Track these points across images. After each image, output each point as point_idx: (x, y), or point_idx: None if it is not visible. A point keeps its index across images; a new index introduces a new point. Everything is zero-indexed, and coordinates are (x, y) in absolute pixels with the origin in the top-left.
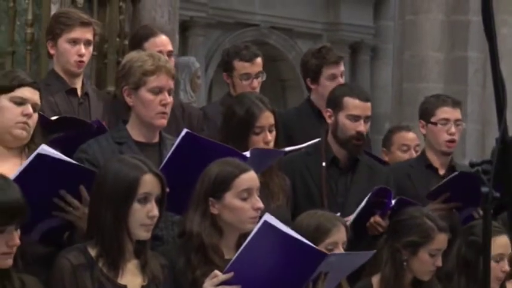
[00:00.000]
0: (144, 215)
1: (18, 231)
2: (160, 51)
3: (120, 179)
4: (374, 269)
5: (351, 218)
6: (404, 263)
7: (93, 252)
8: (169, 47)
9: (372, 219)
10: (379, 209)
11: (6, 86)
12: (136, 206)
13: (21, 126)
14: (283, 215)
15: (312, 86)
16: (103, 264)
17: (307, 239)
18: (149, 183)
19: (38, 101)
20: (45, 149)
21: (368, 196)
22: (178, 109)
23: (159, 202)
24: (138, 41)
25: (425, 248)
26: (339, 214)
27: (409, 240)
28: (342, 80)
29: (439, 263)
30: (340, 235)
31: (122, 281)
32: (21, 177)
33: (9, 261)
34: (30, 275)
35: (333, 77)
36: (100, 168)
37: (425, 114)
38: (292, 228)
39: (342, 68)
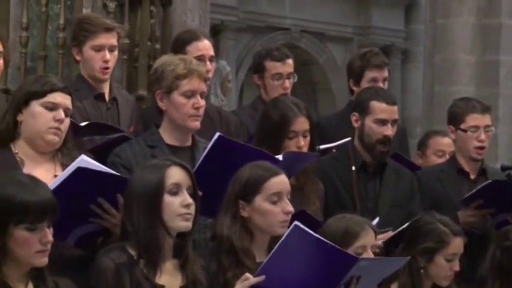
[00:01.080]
0: (178, 205)
1: (51, 229)
2: (202, 56)
3: (147, 178)
4: (392, 277)
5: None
6: (422, 270)
7: (132, 251)
8: (211, 52)
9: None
10: None
11: (38, 91)
12: (168, 198)
13: (53, 131)
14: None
15: (354, 88)
16: (144, 265)
17: (335, 243)
18: (176, 174)
19: (70, 106)
20: (84, 160)
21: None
22: (215, 114)
23: (192, 194)
24: (181, 44)
25: (441, 254)
26: (377, 220)
27: (424, 246)
28: (383, 86)
29: (457, 267)
30: (368, 238)
31: (160, 281)
32: (60, 187)
33: (45, 260)
34: (64, 278)
35: (374, 81)
36: (130, 176)
37: (455, 120)
38: (321, 233)
39: (385, 73)
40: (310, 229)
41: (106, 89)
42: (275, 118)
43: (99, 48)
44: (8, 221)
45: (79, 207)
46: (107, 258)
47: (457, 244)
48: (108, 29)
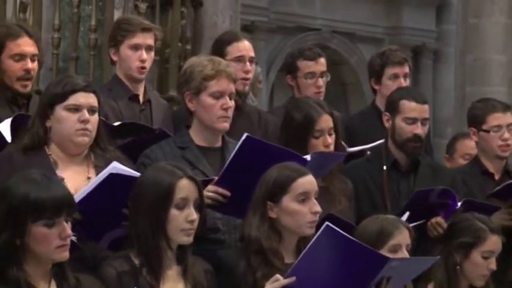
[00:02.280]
0: (182, 220)
1: (69, 223)
2: (242, 56)
3: (156, 186)
4: (429, 276)
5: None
6: (457, 267)
7: (136, 260)
8: (252, 53)
9: (433, 220)
10: (443, 210)
11: (59, 93)
12: (174, 212)
13: (81, 133)
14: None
15: (376, 87)
16: (146, 272)
17: (370, 243)
18: (185, 188)
19: (94, 103)
20: (116, 167)
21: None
22: (254, 115)
23: (198, 207)
24: (221, 45)
25: (478, 250)
26: (407, 215)
27: (460, 241)
28: (405, 82)
29: (493, 266)
30: (403, 237)
31: None
32: (93, 193)
33: (66, 254)
34: (87, 275)
35: (395, 77)
36: (139, 177)
37: (476, 121)
38: (356, 234)
39: (405, 69)
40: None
41: (141, 90)
42: (299, 119)
43: (136, 48)
44: (26, 219)
45: (112, 212)
46: (109, 267)
47: (494, 241)
48: (146, 29)
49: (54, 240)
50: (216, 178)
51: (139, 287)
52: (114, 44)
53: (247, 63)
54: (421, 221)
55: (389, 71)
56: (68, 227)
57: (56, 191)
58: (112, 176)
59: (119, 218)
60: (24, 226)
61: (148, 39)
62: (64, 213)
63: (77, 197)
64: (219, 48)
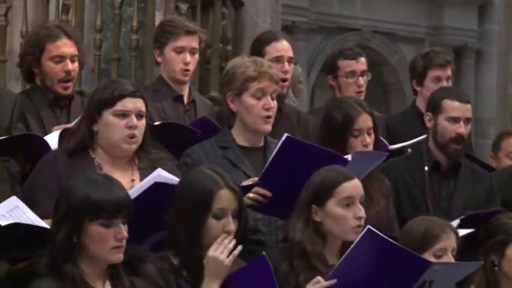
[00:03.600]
0: (219, 230)
1: (126, 226)
2: (280, 56)
3: (195, 194)
4: (470, 279)
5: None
6: (496, 268)
7: (174, 260)
8: (290, 53)
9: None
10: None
11: (108, 99)
12: (211, 221)
13: (128, 141)
14: (381, 221)
15: (417, 88)
16: (186, 273)
17: (416, 245)
18: (225, 198)
19: (142, 108)
20: (161, 175)
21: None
22: (294, 116)
23: (237, 216)
24: (260, 45)
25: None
26: (457, 221)
27: (494, 241)
28: (447, 85)
29: None
30: (449, 241)
31: None
32: (137, 199)
33: (121, 256)
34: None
35: (438, 80)
36: (180, 181)
37: None
38: (401, 235)
39: (448, 72)
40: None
41: (185, 91)
42: (338, 118)
43: (180, 50)
44: (83, 218)
45: (154, 215)
46: (149, 264)
47: None
48: (190, 32)
49: (110, 240)
50: (257, 179)
51: (179, 286)
52: (159, 46)
53: (286, 64)
54: (471, 229)
55: (432, 73)
56: (124, 229)
57: (116, 193)
58: (156, 184)
59: (162, 221)
60: (82, 224)
61: (193, 42)
62: (121, 215)
63: None
64: (258, 48)
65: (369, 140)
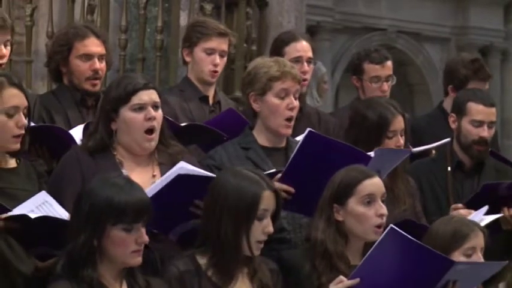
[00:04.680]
0: (260, 231)
1: (144, 229)
2: (300, 57)
3: (241, 195)
4: (500, 276)
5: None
6: None
7: (201, 260)
8: (310, 54)
9: (506, 213)
10: None
11: (122, 95)
12: (255, 222)
13: (148, 137)
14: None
15: (452, 94)
16: (212, 273)
17: (444, 245)
18: (268, 199)
19: (157, 99)
20: (184, 167)
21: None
22: (314, 116)
23: (273, 218)
24: (279, 45)
25: None
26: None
27: None
28: None
29: None
30: (478, 240)
31: None
32: (161, 191)
33: (139, 259)
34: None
35: None
36: (217, 179)
37: None
38: (428, 235)
39: (487, 86)
40: (417, 234)
41: (211, 92)
42: (373, 119)
43: (210, 52)
44: (106, 222)
45: (180, 207)
46: (172, 267)
47: None
48: (222, 34)
49: (131, 245)
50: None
51: (202, 287)
52: (189, 45)
53: (305, 64)
54: (497, 215)
55: (473, 85)
56: (144, 233)
57: (138, 197)
58: (180, 176)
59: (186, 213)
60: (103, 228)
61: (223, 45)
62: (143, 219)
63: None
64: (277, 48)
65: (402, 141)
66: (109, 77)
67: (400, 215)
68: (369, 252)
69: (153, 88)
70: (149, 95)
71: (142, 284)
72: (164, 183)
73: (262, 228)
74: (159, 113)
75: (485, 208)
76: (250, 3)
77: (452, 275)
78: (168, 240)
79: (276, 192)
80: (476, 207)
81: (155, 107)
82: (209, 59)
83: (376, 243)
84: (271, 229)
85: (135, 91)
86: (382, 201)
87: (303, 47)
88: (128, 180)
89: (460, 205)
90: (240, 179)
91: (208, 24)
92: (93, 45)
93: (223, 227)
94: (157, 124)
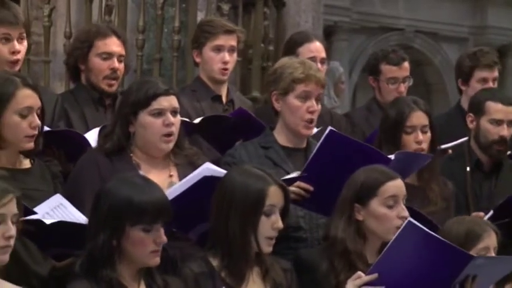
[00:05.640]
0: (268, 227)
1: (163, 229)
2: (313, 57)
3: (247, 192)
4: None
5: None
6: None
7: (214, 261)
8: (323, 54)
9: None
10: None
11: (142, 99)
12: (262, 218)
13: (166, 139)
14: (436, 220)
15: (463, 88)
16: (226, 274)
17: (457, 245)
18: (275, 195)
19: (176, 104)
20: (209, 168)
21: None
22: (327, 116)
23: (282, 213)
24: (292, 45)
25: None
26: (491, 213)
27: None
28: (493, 86)
29: None
30: (491, 240)
31: None
32: (186, 192)
33: (158, 259)
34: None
35: (484, 81)
36: (224, 178)
37: None
38: (442, 235)
39: (495, 73)
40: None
41: (223, 91)
42: (392, 115)
43: (218, 49)
44: (125, 222)
45: (201, 207)
46: (187, 269)
47: None
48: (228, 31)
49: (150, 245)
50: (299, 174)
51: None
52: (197, 46)
53: (319, 64)
54: (504, 220)
55: (479, 74)
56: (163, 234)
57: (157, 197)
58: (205, 178)
59: (207, 212)
60: (123, 229)
61: (231, 41)
62: (161, 220)
63: (169, 196)
64: (290, 49)
65: (422, 137)
66: (126, 77)
67: (427, 215)
68: (387, 246)
69: (174, 94)
70: (169, 101)
71: (161, 284)
72: (190, 184)
73: (271, 224)
74: (177, 119)
75: (490, 213)
76: (267, 3)
77: (471, 269)
78: (188, 240)
79: (283, 187)
80: (502, 218)
81: (174, 112)
82: (218, 57)
83: (394, 237)
84: (280, 225)
85: (155, 96)
86: (408, 200)
87: (316, 48)
88: (146, 180)
89: (481, 213)
90: (246, 176)
91: (214, 23)
92: (114, 45)
93: (230, 225)
94: (175, 129)
